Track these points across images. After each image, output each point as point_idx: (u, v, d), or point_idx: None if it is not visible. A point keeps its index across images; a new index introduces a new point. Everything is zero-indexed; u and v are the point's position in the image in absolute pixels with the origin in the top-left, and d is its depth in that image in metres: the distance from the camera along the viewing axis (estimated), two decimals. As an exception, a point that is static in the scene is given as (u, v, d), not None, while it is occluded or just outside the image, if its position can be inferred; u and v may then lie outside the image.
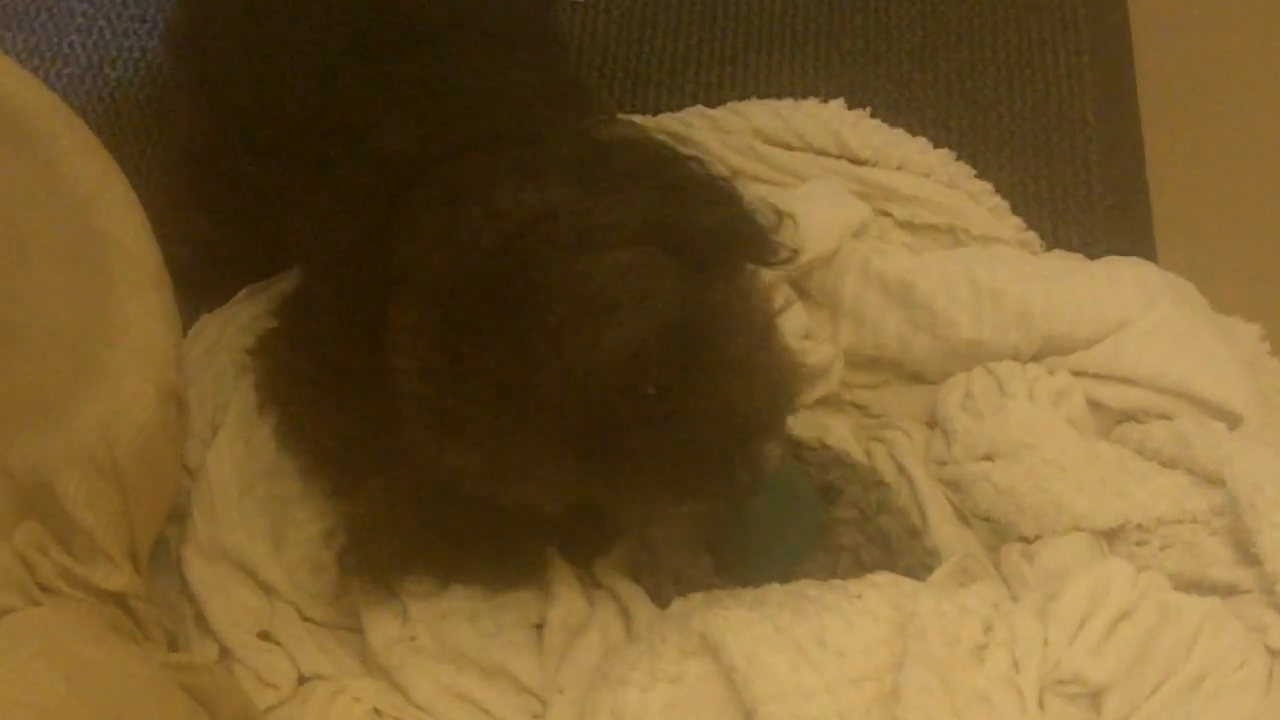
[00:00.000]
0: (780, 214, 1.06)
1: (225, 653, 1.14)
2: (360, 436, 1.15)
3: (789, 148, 1.39)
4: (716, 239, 0.98)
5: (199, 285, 1.28)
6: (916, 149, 1.40)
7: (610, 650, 1.11)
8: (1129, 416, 1.22)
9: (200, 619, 1.16)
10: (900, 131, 1.42)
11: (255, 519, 1.18)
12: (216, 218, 1.30)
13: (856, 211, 1.30)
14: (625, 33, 1.56)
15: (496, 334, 0.89)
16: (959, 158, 1.41)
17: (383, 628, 1.13)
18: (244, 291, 1.30)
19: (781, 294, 1.27)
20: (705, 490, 0.95)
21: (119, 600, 1.04)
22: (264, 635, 1.16)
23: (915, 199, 1.36)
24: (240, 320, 1.27)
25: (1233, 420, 1.18)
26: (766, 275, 1.14)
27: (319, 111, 1.13)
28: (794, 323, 1.26)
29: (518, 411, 0.89)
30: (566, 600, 1.15)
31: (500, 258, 0.90)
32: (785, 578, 1.12)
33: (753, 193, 1.19)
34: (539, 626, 1.15)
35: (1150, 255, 1.37)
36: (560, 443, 0.90)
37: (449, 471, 0.97)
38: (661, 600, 1.14)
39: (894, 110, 1.44)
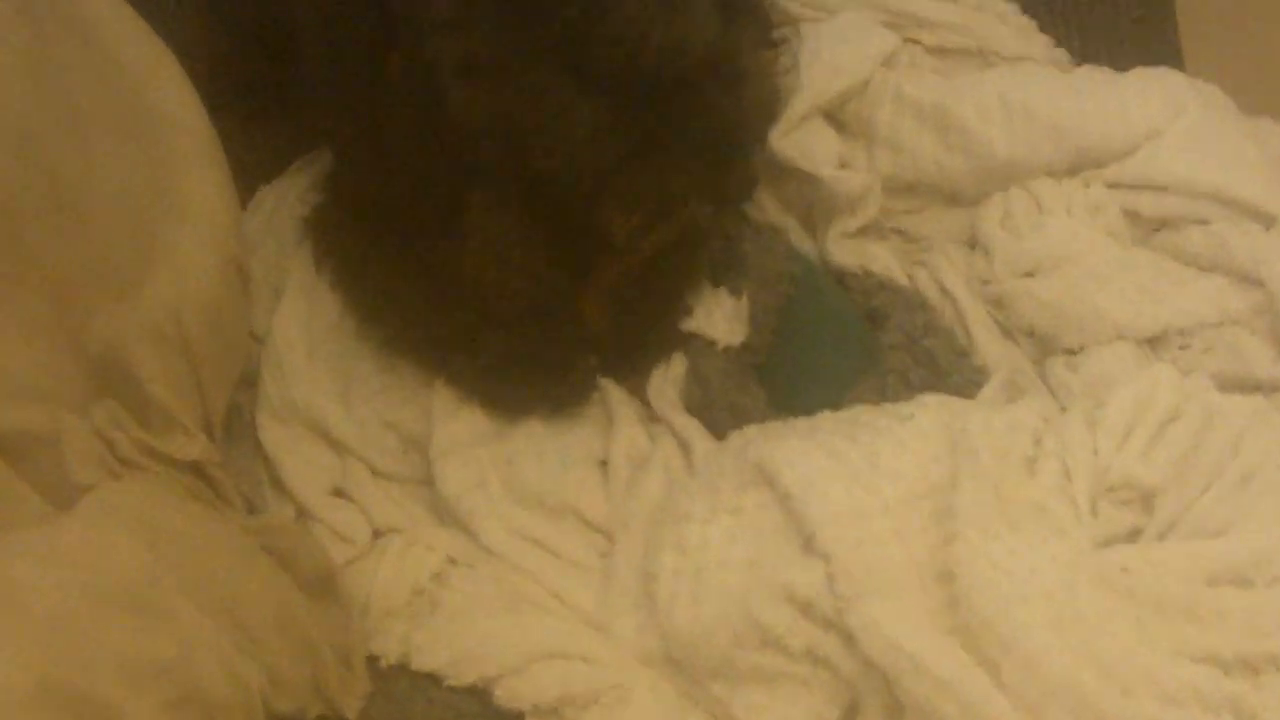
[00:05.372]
0: None
1: (301, 512, 1.16)
2: (409, 277, 1.17)
3: (819, -17, 1.38)
4: None
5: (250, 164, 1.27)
6: (941, -27, 1.37)
7: (672, 483, 1.13)
8: (1165, 224, 1.22)
9: (276, 481, 1.18)
10: (923, -42, 1.40)
11: (323, 378, 1.20)
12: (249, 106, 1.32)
13: (885, 41, 1.29)
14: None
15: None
16: (983, -21, 1.38)
17: (453, 476, 1.14)
18: (296, 164, 1.30)
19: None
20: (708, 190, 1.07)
21: (196, 469, 1.06)
22: (337, 492, 1.18)
23: (943, 24, 1.35)
24: (297, 189, 1.28)
25: (1268, 220, 1.18)
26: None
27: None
28: (828, 151, 1.26)
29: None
30: (627, 434, 1.16)
31: None
32: (836, 404, 1.14)
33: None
34: (603, 463, 1.17)
35: (1178, 65, 1.38)
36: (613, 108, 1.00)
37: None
38: (718, 433, 1.15)
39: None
